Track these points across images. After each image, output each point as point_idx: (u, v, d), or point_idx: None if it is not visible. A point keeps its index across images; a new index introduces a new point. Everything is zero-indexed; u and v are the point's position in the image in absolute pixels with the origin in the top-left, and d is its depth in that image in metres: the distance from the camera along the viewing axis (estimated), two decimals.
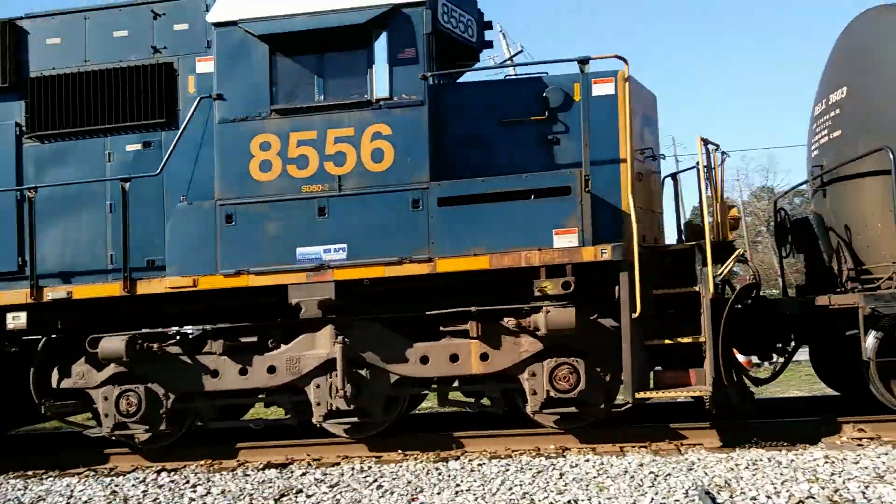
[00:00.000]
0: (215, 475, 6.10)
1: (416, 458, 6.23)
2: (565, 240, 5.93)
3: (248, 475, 6.07)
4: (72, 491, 5.89)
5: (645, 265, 5.98)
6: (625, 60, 6.15)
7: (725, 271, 6.02)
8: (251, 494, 5.55)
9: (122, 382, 6.45)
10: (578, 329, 5.92)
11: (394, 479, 5.66)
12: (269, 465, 6.31)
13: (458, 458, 6.16)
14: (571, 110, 6.40)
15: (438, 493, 5.26)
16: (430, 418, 8.61)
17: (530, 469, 5.64)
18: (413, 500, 5.19)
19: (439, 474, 5.68)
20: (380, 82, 6.18)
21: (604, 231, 6.03)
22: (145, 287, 6.27)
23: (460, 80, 7.39)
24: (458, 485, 5.40)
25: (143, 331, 6.35)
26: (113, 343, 6.20)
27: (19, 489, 6.04)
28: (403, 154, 6.10)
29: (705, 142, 6.57)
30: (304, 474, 5.96)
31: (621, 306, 5.85)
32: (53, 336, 6.68)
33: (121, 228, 6.27)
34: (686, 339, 6.01)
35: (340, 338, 6.19)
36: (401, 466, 5.96)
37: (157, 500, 5.58)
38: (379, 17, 6.14)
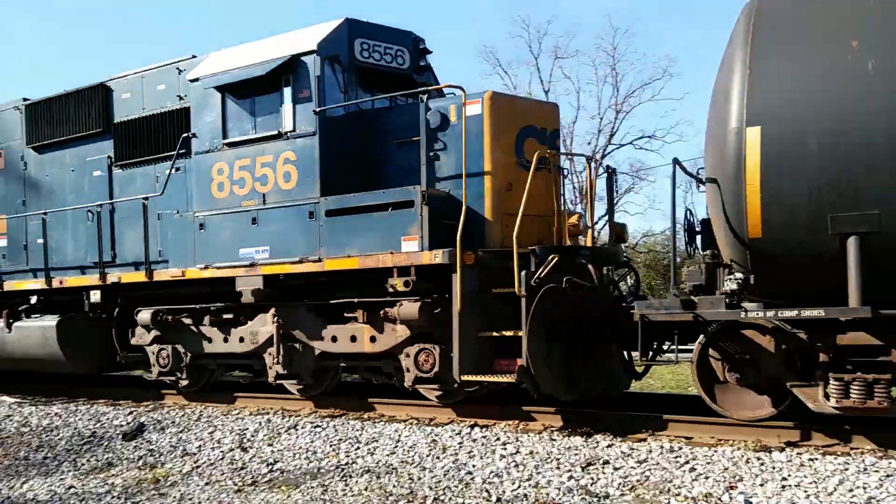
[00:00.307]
0: (522, 436, 6.62)
1: (732, 444, 5.98)
2: (410, 245, 7.05)
3: (554, 440, 6.44)
4: (399, 436, 6.95)
5: (486, 266, 6.81)
6: (463, 89, 7.01)
7: (542, 273, 6.43)
8: (558, 459, 5.92)
9: (160, 342, 9.17)
10: (423, 321, 7.01)
11: (708, 463, 5.51)
12: (573, 433, 6.64)
13: (782, 448, 5.80)
14: (447, 130, 7.38)
15: (762, 485, 5.04)
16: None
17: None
18: (732, 487, 5.00)
19: (761, 464, 5.42)
20: (286, 118, 7.86)
21: (471, 237, 6.85)
22: (158, 276, 8.86)
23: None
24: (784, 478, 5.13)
25: (164, 307, 8.95)
26: (144, 315, 8.93)
27: (357, 429, 7.29)
28: (303, 175, 7.74)
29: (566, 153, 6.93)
30: (609, 446, 6.10)
31: (452, 302, 6.78)
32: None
33: (142, 234, 8.90)
34: (508, 333, 6.72)
35: (277, 319, 8.09)
36: (715, 451, 5.75)
37: (472, 452, 6.29)
38: (283, 66, 7.82)
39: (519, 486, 5.39)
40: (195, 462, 6.91)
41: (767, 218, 5.39)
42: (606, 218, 9.61)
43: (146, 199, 8.91)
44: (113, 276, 9.26)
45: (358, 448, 6.75)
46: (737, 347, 6.14)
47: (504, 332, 6.75)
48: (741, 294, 5.74)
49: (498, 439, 6.51)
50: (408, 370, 7.40)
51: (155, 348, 9.20)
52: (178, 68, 9.17)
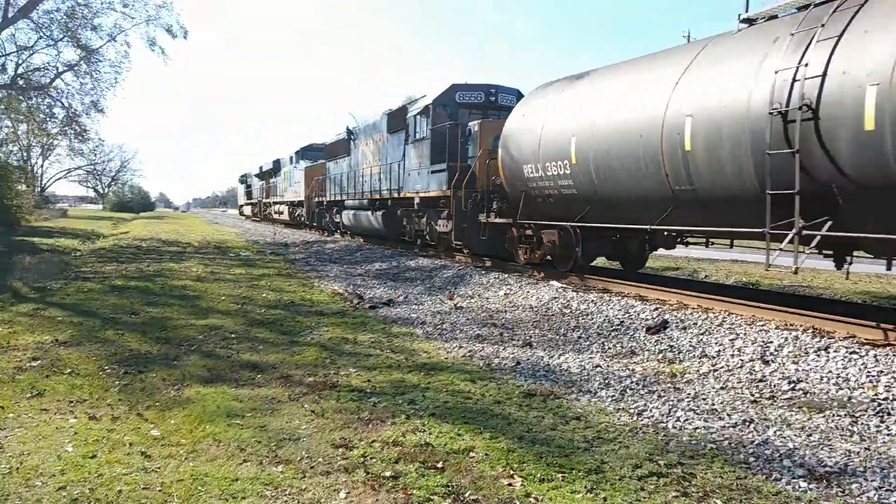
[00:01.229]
0: None
1: None
2: (444, 187, 16.48)
3: None
4: None
5: (469, 196, 15.87)
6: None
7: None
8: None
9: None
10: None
11: None
12: None
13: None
14: (470, 136, 16.26)
15: None
16: None
17: None
18: None
19: None
20: (421, 130, 17.96)
21: (468, 184, 15.39)
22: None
23: None
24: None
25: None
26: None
27: None
28: (424, 155, 17.82)
29: None
30: None
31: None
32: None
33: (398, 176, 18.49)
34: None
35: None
36: None
37: None
38: (423, 109, 17.69)
39: None
40: (713, 365, 6.84)
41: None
42: None
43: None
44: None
45: None
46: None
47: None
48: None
49: None
50: None
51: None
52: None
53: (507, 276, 12.98)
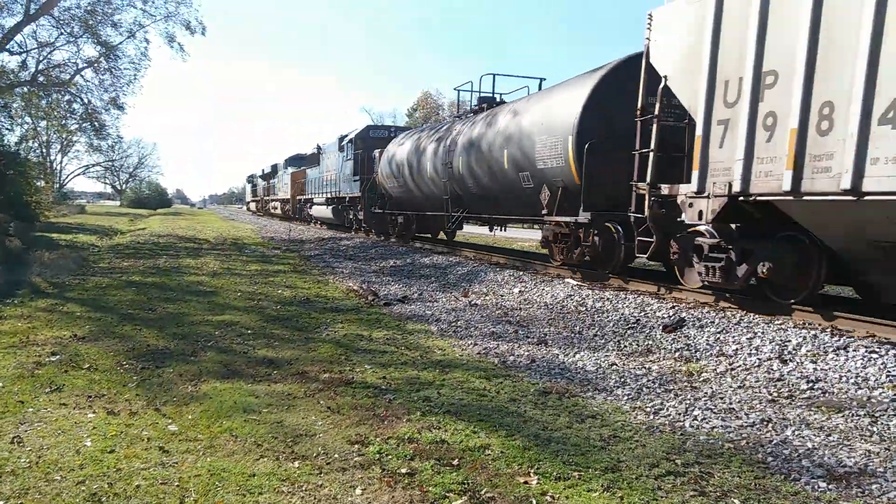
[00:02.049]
0: None
1: None
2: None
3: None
4: None
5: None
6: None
7: None
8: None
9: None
10: None
11: None
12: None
13: None
14: None
15: None
16: None
17: None
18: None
19: None
20: None
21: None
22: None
23: None
24: None
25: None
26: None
27: None
28: None
29: None
30: None
31: None
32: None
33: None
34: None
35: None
36: None
37: None
38: None
39: None
40: (730, 364, 6.79)
41: None
42: None
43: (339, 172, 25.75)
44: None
45: None
46: None
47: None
48: None
49: None
50: None
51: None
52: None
53: (522, 273, 12.95)
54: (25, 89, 26.70)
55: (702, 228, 9.19)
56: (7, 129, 28.53)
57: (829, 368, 6.27)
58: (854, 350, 6.53)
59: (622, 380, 6.40)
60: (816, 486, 4.09)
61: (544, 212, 12.76)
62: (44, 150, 56.74)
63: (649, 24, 9.62)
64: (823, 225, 7.43)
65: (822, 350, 6.69)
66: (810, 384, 6.01)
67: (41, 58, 26.86)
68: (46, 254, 17.50)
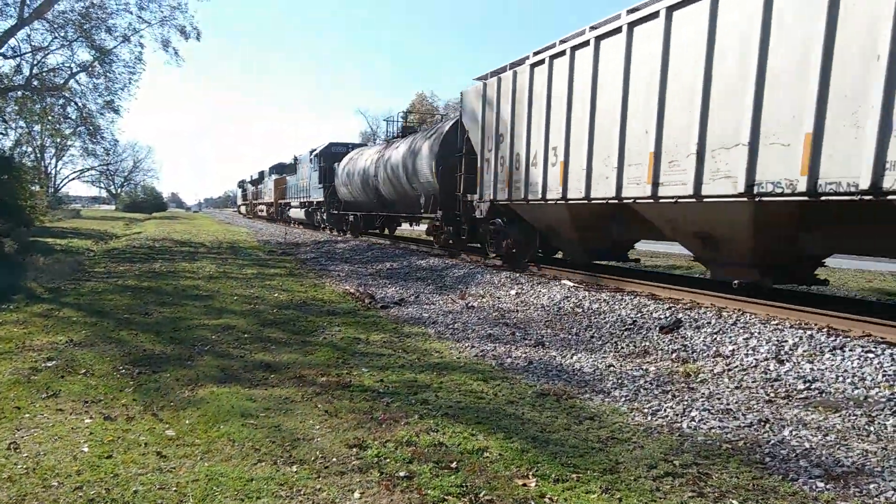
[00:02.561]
0: None
1: None
2: None
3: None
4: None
5: None
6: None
7: None
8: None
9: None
10: None
11: None
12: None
13: None
14: None
15: None
16: None
17: None
18: None
19: None
20: None
21: None
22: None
23: None
24: None
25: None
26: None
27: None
28: None
29: None
30: None
31: None
32: None
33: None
34: None
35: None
36: None
37: None
38: None
39: None
40: (727, 364, 6.80)
41: None
42: None
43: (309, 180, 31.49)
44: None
45: None
46: None
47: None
48: None
49: None
50: None
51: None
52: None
53: (518, 275, 12.96)
54: (20, 93, 26.61)
55: (496, 221, 14.82)
56: (1, 133, 28.45)
57: (826, 368, 6.29)
58: (850, 350, 6.54)
59: (620, 381, 6.41)
60: (814, 486, 4.10)
61: (423, 211, 19.24)
62: (38, 155, 56.55)
63: (461, 99, 16.08)
64: (533, 216, 13.33)
65: (818, 350, 6.70)
66: (807, 384, 6.03)
67: (35, 62, 26.79)
68: (42, 259, 17.45)
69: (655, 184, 9.24)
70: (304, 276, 15.05)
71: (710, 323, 8.02)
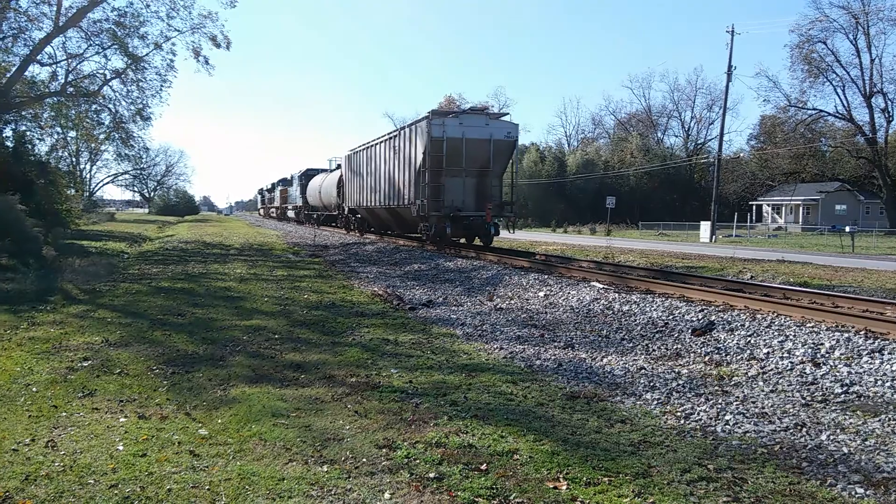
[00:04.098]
0: None
1: None
2: None
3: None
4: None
5: None
6: None
7: None
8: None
9: None
10: None
11: None
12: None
13: None
14: None
15: None
16: None
17: None
18: None
19: None
20: None
21: None
22: None
23: None
24: None
25: None
26: None
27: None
28: None
29: None
30: None
31: None
32: None
33: None
34: None
35: None
36: None
37: None
38: None
39: None
40: (761, 368, 6.68)
41: None
42: None
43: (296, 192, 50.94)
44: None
45: None
46: None
47: None
48: None
49: None
50: None
51: None
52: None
53: (546, 276, 12.89)
54: (55, 100, 27.14)
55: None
56: (38, 138, 29.06)
57: (864, 371, 6.15)
58: (889, 353, 6.40)
59: (651, 384, 6.33)
60: (854, 493, 4.01)
61: (335, 212, 35.36)
62: (73, 160, 57.72)
63: (346, 158, 31.19)
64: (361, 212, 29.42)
65: (856, 353, 6.56)
66: (845, 388, 5.90)
67: (70, 69, 27.30)
68: (77, 261, 17.78)
69: (382, 200, 23.88)
70: (333, 277, 15.14)
71: (743, 325, 7.90)
